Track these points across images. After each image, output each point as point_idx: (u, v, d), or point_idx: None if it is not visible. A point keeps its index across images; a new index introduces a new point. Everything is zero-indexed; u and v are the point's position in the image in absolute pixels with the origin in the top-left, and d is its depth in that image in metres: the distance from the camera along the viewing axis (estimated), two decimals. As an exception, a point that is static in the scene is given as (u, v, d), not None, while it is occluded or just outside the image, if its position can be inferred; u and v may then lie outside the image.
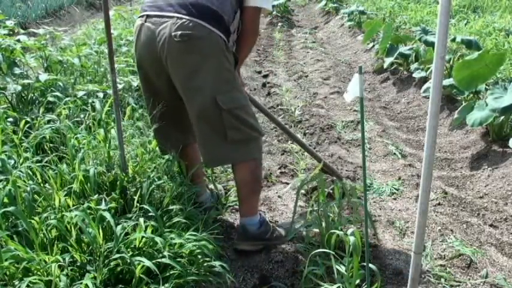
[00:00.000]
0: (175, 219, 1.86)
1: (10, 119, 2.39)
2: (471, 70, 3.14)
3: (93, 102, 2.55)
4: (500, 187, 2.65)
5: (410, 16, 7.06)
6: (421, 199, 1.25)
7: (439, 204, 2.57)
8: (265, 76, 5.36)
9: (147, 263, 1.49)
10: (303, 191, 2.61)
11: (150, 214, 1.74)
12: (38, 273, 1.46)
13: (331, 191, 2.40)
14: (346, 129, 3.72)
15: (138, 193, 1.87)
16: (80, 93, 2.71)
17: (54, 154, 2.09)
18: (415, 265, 1.33)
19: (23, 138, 2.18)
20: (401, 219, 2.43)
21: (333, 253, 1.77)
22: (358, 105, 2.11)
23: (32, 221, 1.57)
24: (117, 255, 1.52)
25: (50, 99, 2.64)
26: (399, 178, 2.87)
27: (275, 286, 1.91)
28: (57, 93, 2.68)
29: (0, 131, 2.06)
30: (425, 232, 1.47)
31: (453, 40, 4.06)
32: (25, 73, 2.87)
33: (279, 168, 3.00)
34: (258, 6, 1.93)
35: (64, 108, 2.51)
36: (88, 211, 1.62)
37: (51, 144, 2.25)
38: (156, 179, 1.98)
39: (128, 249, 1.57)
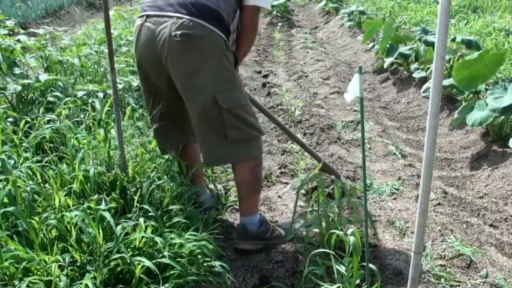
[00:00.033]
0: (175, 219, 1.86)
1: (10, 119, 2.39)
2: (471, 70, 3.14)
3: (93, 102, 2.55)
4: (500, 187, 2.65)
5: (410, 16, 7.06)
6: (421, 199, 1.25)
7: (439, 204, 2.57)
8: (265, 76, 5.36)
9: (147, 263, 1.49)
10: (303, 191, 2.61)
11: (150, 214, 1.74)
12: (38, 273, 1.46)
13: (331, 191, 2.40)
14: (346, 129, 3.72)
15: (138, 193, 1.87)
16: (80, 93, 2.71)
17: (54, 154, 2.09)
18: (415, 265, 1.33)
19: (23, 138, 2.18)
20: (401, 219, 2.43)
21: (333, 253, 1.77)
22: (358, 105, 2.11)
23: (32, 221, 1.57)
24: (117, 255, 1.52)
25: (50, 99, 2.64)
26: (399, 178, 2.87)
27: (275, 286, 1.91)
28: (57, 93, 2.68)
29: (0, 131, 2.06)
30: (425, 232, 1.47)
31: (453, 40, 4.06)
32: (25, 73, 2.88)
33: (279, 168, 3.00)
34: (257, 5, 1.93)
35: (64, 108, 2.51)
36: (88, 211, 1.62)
37: (51, 144, 2.25)
38: (156, 179, 1.98)
39: (128, 249, 1.57)
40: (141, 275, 1.52)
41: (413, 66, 4.58)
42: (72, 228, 1.60)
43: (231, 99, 1.91)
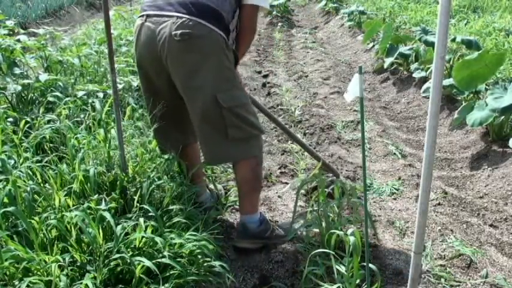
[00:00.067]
0: (175, 219, 1.86)
1: (10, 119, 2.39)
2: (471, 70, 3.14)
3: (93, 102, 2.55)
4: (500, 187, 2.65)
5: (410, 16, 7.06)
6: (421, 199, 1.25)
7: (439, 204, 2.57)
8: (265, 76, 5.36)
9: (147, 263, 1.49)
10: (303, 191, 2.61)
11: (150, 214, 1.74)
12: (38, 273, 1.46)
13: (331, 191, 2.40)
14: (346, 129, 3.72)
15: (138, 193, 1.87)
16: (80, 93, 2.71)
17: (54, 154, 2.09)
18: (415, 265, 1.33)
19: (23, 138, 2.18)
20: (401, 219, 2.43)
21: (333, 253, 1.77)
22: (358, 105, 2.11)
23: (32, 221, 1.57)
24: (117, 255, 1.52)
25: (50, 99, 2.64)
26: (399, 178, 2.87)
27: (275, 286, 1.91)
28: (57, 93, 2.68)
29: (0, 131, 2.06)
30: (425, 232, 1.47)
31: (453, 40, 4.06)
32: (25, 73, 2.88)
33: (279, 168, 3.00)
34: (256, 4, 1.94)
35: (64, 108, 2.51)
36: (88, 211, 1.62)
37: (51, 144, 2.25)
38: (156, 179, 1.98)
39: (128, 249, 1.57)
40: (141, 275, 1.52)
41: (413, 66, 4.58)
42: (72, 228, 1.60)
43: (232, 98, 1.91)
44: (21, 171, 1.81)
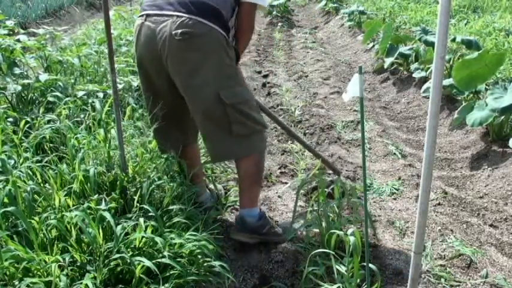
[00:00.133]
0: (175, 219, 1.86)
1: (10, 119, 2.39)
2: (470, 70, 3.14)
3: (93, 102, 2.55)
4: (500, 187, 2.65)
5: (410, 16, 7.06)
6: (421, 199, 1.25)
7: (439, 204, 2.57)
8: (265, 76, 5.36)
9: (147, 263, 1.49)
10: (303, 191, 2.61)
11: (150, 214, 1.74)
12: (38, 273, 1.46)
13: (331, 191, 2.40)
14: (346, 129, 3.72)
15: (138, 193, 1.87)
16: (80, 93, 2.71)
17: (54, 154, 2.09)
18: (415, 265, 1.33)
19: (23, 138, 2.18)
20: (401, 219, 2.42)
21: (333, 253, 1.77)
22: (358, 105, 2.11)
23: (32, 221, 1.57)
24: (117, 255, 1.52)
25: (50, 99, 2.64)
26: (399, 178, 2.87)
27: (275, 286, 1.91)
28: (57, 93, 2.68)
29: (0, 131, 2.06)
30: (425, 232, 1.47)
31: (453, 40, 4.06)
32: (25, 73, 2.88)
33: (279, 168, 3.00)
34: (254, 3, 1.94)
35: (64, 108, 2.51)
36: (88, 211, 1.62)
37: (51, 144, 2.25)
38: (156, 179, 1.98)
39: (128, 249, 1.57)
40: (141, 275, 1.52)
41: (413, 66, 4.58)
42: (72, 228, 1.60)
43: (234, 94, 1.92)
44: (21, 171, 1.81)
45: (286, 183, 2.81)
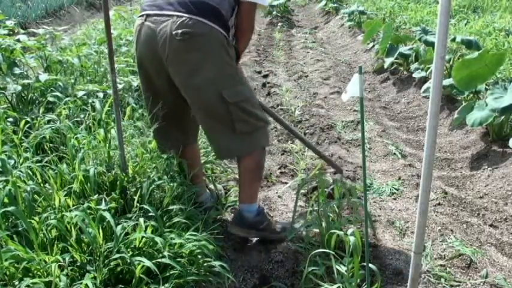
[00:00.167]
0: (175, 219, 1.86)
1: (10, 119, 2.39)
2: (470, 70, 3.14)
3: (93, 102, 2.55)
4: (500, 187, 2.65)
5: (410, 16, 7.06)
6: (421, 199, 1.25)
7: (439, 204, 2.57)
8: (265, 76, 5.36)
9: (147, 263, 1.49)
10: (303, 191, 2.61)
11: (150, 214, 1.74)
12: (38, 273, 1.46)
13: (331, 191, 2.40)
14: (346, 129, 3.72)
15: (138, 193, 1.87)
16: (80, 93, 2.71)
17: (54, 154, 2.09)
18: (415, 265, 1.33)
19: (23, 138, 2.18)
20: (401, 219, 2.42)
21: (333, 253, 1.77)
22: (358, 105, 2.11)
23: (32, 221, 1.57)
24: (117, 255, 1.52)
25: (50, 99, 2.64)
26: (399, 178, 2.87)
27: (275, 286, 1.91)
28: (57, 93, 2.68)
29: (0, 131, 2.06)
30: (425, 232, 1.47)
31: (453, 40, 4.06)
32: (25, 73, 2.88)
33: (279, 168, 3.00)
34: (254, 2, 1.94)
35: (64, 108, 2.51)
36: (88, 211, 1.62)
37: (51, 144, 2.25)
38: (156, 179, 1.98)
39: (128, 249, 1.57)
40: (141, 275, 1.52)
41: (413, 66, 4.57)
42: (72, 228, 1.60)
43: (236, 93, 1.94)
44: (21, 171, 1.81)
45: (286, 183, 2.81)
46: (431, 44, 4.46)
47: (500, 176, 2.73)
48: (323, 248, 1.88)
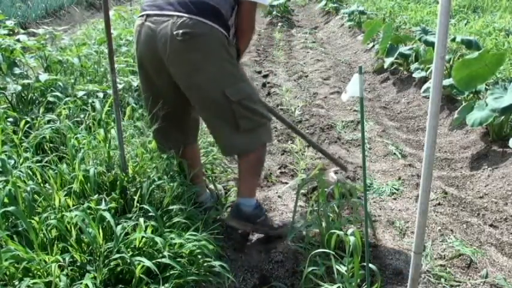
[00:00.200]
0: (175, 219, 1.86)
1: (10, 119, 2.39)
2: (470, 70, 3.14)
3: (93, 102, 2.55)
4: (500, 187, 2.65)
5: (410, 16, 7.06)
6: (421, 199, 1.25)
7: (439, 204, 2.57)
8: (265, 76, 5.36)
9: (147, 263, 1.49)
10: (303, 191, 2.61)
11: (150, 214, 1.74)
12: (38, 273, 1.46)
13: (331, 191, 2.40)
14: (346, 129, 3.72)
15: (138, 193, 1.87)
16: (80, 93, 2.71)
17: (54, 154, 2.09)
18: (415, 265, 1.33)
19: (23, 138, 2.18)
20: (401, 219, 2.42)
21: (333, 253, 1.77)
22: (358, 105, 2.12)
23: (32, 221, 1.57)
24: (117, 255, 1.52)
25: (50, 99, 2.64)
26: (399, 178, 2.87)
27: (275, 286, 1.91)
28: (57, 93, 2.68)
29: (0, 131, 2.06)
30: (425, 232, 1.47)
31: (453, 40, 4.06)
32: (25, 73, 2.88)
33: (279, 168, 3.00)
34: (254, 1, 1.95)
35: (64, 108, 2.51)
36: (88, 211, 1.62)
37: (51, 144, 2.25)
38: (156, 179, 1.98)
39: (128, 249, 1.57)
40: (141, 275, 1.52)
41: (413, 66, 4.57)
42: (72, 228, 1.60)
43: (238, 91, 1.95)
44: (21, 171, 1.81)
45: (286, 183, 2.81)
46: (431, 44, 4.46)
47: (500, 176, 2.73)
48: (323, 248, 1.88)
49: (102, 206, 1.69)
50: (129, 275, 1.57)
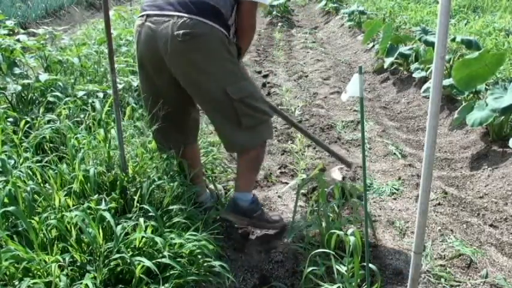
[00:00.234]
0: (175, 219, 1.86)
1: (10, 119, 2.39)
2: (470, 70, 3.14)
3: (93, 102, 2.54)
4: (500, 187, 2.65)
5: (410, 16, 7.06)
6: (421, 199, 1.25)
7: (439, 204, 2.57)
8: (265, 76, 5.36)
9: (147, 263, 1.49)
10: (303, 191, 2.61)
11: (150, 214, 1.74)
12: (38, 273, 1.46)
13: (331, 191, 2.40)
14: (346, 129, 3.72)
15: (138, 193, 1.87)
16: (80, 93, 2.71)
17: (54, 154, 2.09)
18: (415, 265, 1.33)
19: (23, 138, 2.18)
20: (401, 219, 2.42)
21: (333, 253, 1.77)
22: (358, 105, 2.12)
23: (32, 221, 1.57)
24: (117, 255, 1.52)
25: (50, 99, 2.64)
26: (399, 178, 2.87)
27: (275, 286, 1.91)
28: (57, 93, 2.68)
29: (0, 131, 2.06)
30: (425, 232, 1.47)
31: (453, 40, 4.06)
32: (25, 73, 2.87)
33: (279, 168, 3.00)
34: (255, 0, 1.95)
35: (64, 108, 2.51)
36: (88, 211, 1.62)
37: (51, 144, 2.24)
38: (156, 179, 1.98)
39: (128, 249, 1.57)
40: (141, 275, 1.52)
41: (413, 66, 4.57)
42: (72, 228, 1.60)
43: (239, 89, 1.97)
44: (21, 171, 1.81)
45: (286, 183, 2.81)
46: (431, 44, 4.46)
47: (500, 176, 2.73)
48: (323, 248, 1.88)
49: (102, 206, 1.69)
50: (129, 275, 1.57)
